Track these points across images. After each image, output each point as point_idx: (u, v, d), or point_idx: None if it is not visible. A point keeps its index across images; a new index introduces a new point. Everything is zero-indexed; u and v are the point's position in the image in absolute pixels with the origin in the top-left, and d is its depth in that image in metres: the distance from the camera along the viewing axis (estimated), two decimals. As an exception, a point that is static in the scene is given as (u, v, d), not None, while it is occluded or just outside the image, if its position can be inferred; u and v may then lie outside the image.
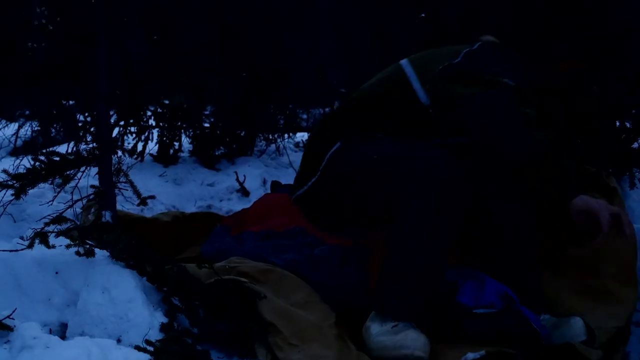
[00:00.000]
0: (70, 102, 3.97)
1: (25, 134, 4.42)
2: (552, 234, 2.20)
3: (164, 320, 1.83)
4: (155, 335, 1.76)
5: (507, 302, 1.89)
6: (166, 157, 4.03)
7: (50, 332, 1.81)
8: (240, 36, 4.11)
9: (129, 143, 3.92)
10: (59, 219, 2.00)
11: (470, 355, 1.70)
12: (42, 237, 1.94)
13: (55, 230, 1.99)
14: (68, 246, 1.94)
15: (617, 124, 2.96)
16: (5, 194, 2.20)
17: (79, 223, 2.22)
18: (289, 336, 1.81)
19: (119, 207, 2.47)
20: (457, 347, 1.78)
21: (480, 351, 1.71)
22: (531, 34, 2.63)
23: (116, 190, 2.24)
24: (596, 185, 2.24)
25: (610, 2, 2.78)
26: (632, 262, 2.07)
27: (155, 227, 2.69)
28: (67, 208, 2.25)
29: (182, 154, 4.15)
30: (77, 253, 1.93)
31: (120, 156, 2.40)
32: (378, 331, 1.82)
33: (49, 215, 2.04)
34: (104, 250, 2.02)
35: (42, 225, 2.00)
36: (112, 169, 2.21)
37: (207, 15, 4.22)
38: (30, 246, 1.95)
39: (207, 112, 4.35)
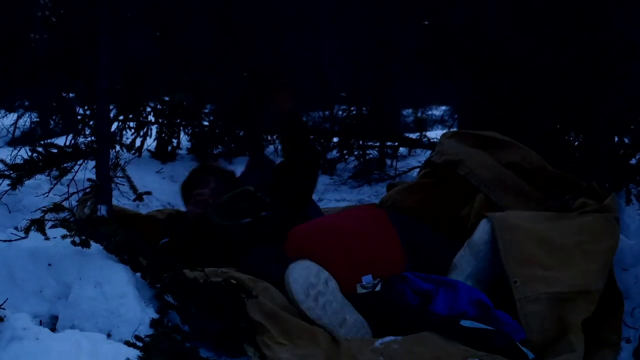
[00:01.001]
0: (70, 95, 3.98)
1: (24, 125, 4.43)
2: None
3: (155, 316, 1.83)
4: (145, 331, 1.76)
5: (479, 310, 1.90)
6: (164, 154, 4.04)
7: (41, 323, 1.81)
8: (241, 36, 4.11)
9: (127, 138, 3.93)
10: (56, 207, 1.99)
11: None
12: (39, 224, 1.93)
13: (53, 218, 1.98)
14: (64, 237, 1.92)
15: (616, 139, 2.96)
16: (1, 184, 2.19)
17: (74, 216, 2.21)
18: (277, 335, 1.82)
19: (114, 201, 2.47)
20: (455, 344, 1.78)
21: (475, 358, 1.71)
22: (531, 42, 2.65)
23: (112, 185, 2.23)
24: (586, 191, 2.27)
25: (613, 17, 2.78)
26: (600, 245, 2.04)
27: (151, 224, 2.69)
28: (63, 200, 2.24)
29: (180, 151, 4.16)
30: (73, 242, 1.91)
31: (118, 151, 2.39)
32: None
33: (44, 206, 2.04)
34: (98, 245, 2.01)
35: (41, 214, 1.98)
36: (110, 163, 2.20)
37: (208, 15, 4.23)
38: (27, 232, 1.94)
39: (206, 111, 4.36)
